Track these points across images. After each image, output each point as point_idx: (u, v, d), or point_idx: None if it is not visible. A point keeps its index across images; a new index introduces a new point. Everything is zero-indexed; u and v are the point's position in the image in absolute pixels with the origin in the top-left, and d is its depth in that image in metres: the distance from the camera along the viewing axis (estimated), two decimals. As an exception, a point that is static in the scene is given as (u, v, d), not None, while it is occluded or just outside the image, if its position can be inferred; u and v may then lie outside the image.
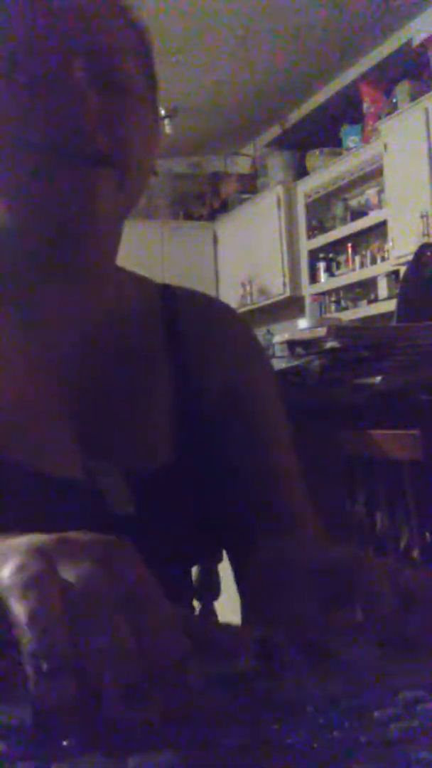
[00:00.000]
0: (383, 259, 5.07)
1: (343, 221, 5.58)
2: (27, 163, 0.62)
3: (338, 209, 5.68)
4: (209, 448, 0.73)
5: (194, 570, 0.86)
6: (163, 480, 0.69)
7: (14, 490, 0.62)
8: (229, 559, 0.77)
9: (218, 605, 0.89)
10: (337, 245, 5.70)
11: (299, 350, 1.71)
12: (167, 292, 0.80)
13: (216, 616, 0.89)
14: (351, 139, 5.37)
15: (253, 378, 0.79)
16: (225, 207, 6.76)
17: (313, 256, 5.84)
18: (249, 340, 0.82)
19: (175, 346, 0.75)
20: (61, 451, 0.66)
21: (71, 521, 0.63)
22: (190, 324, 0.77)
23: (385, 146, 4.75)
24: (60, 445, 0.66)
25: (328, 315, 5.51)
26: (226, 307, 0.84)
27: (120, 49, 0.66)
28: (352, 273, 5.47)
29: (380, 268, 5.11)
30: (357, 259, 5.44)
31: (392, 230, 4.72)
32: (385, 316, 4.76)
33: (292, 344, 1.74)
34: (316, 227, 5.87)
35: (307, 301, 5.91)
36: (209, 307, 0.81)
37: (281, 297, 5.99)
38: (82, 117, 0.61)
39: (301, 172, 5.98)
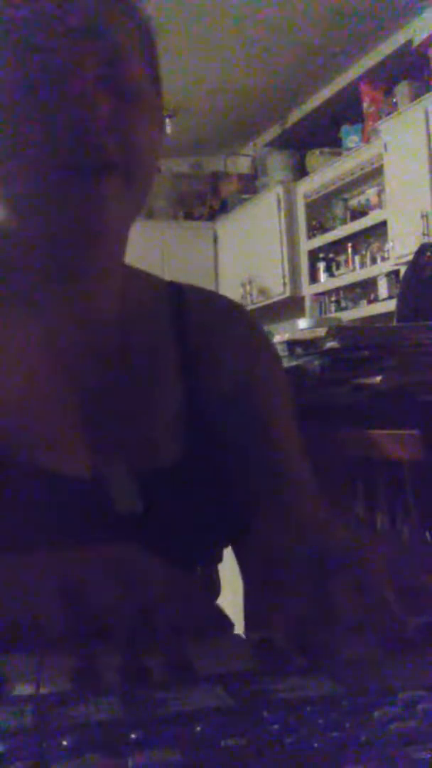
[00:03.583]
0: (383, 259, 5.07)
1: (343, 221, 5.58)
2: (36, 170, 0.62)
3: (338, 209, 5.68)
4: (217, 443, 0.72)
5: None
6: (170, 478, 0.69)
7: (21, 488, 0.62)
8: (235, 555, 0.77)
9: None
10: (337, 245, 5.70)
11: (299, 350, 1.70)
12: (174, 288, 0.80)
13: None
14: (351, 139, 5.37)
15: (263, 372, 0.79)
16: (225, 207, 6.76)
17: (313, 256, 5.84)
18: (257, 334, 0.82)
19: (183, 343, 0.76)
20: (67, 450, 0.66)
21: (77, 520, 0.63)
22: (197, 320, 0.77)
23: (385, 146, 4.75)
24: (67, 443, 0.67)
25: (328, 315, 5.51)
26: (232, 303, 0.84)
27: (130, 52, 0.65)
28: (352, 273, 5.47)
29: (380, 268, 5.11)
30: (357, 259, 5.44)
31: (392, 230, 4.72)
32: (385, 316, 4.76)
33: (292, 344, 1.74)
34: (316, 227, 5.87)
35: (307, 301, 5.91)
36: (216, 303, 0.82)
37: (281, 297, 5.99)
38: (91, 124, 0.61)
39: (301, 172, 5.98)
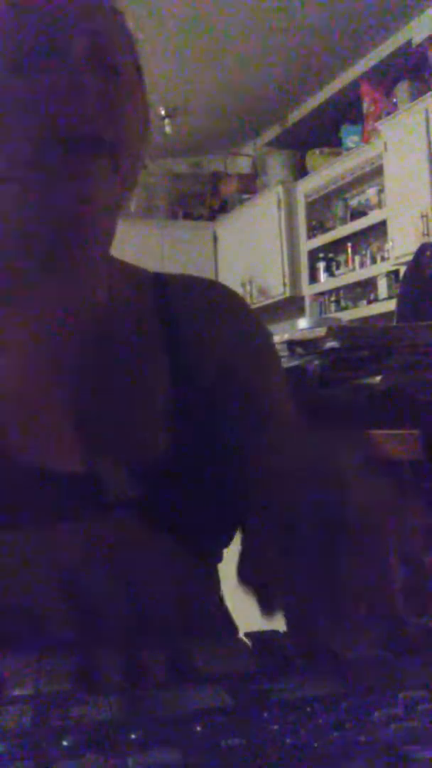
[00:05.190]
0: (383, 259, 5.07)
1: (343, 221, 5.58)
2: (24, 145, 0.63)
3: (338, 209, 5.68)
4: (210, 428, 0.72)
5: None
6: (164, 470, 0.69)
7: (15, 484, 0.62)
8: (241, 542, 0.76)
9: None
10: (337, 245, 5.70)
11: (299, 350, 1.70)
12: (159, 280, 0.80)
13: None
14: (351, 139, 5.37)
15: (252, 352, 0.78)
16: (225, 207, 6.75)
17: (313, 256, 5.84)
18: (246, 316, 0.82)
19: (170, 333, 0.76)
20: (60, 445, 0.66)
21: (72, 515, 0.63)
22: (182, 310, 0.77)
23: (385, 146, 4.75)
24: (60, 438, 0.67)
25: (328, 315, 5.51)
26: (221, 287, 0.83)
27: (114, 33, 0.67)
28: (352, 273, 5.47)
29: (380, 268, 5.11)
30: (357, 259, 5.44)
31: (392, 230, 4.72)
32: (385, 316, 4.76)
33: (292, 344, 1.74)
34: (316, 227, 5.87)
35: (307, 301, 5.91)
36: (202, 291, 0.81)
37: (281, 297, 5.99)
38: (81, 99, 0.61)
39: (301, 172, 5.98)
